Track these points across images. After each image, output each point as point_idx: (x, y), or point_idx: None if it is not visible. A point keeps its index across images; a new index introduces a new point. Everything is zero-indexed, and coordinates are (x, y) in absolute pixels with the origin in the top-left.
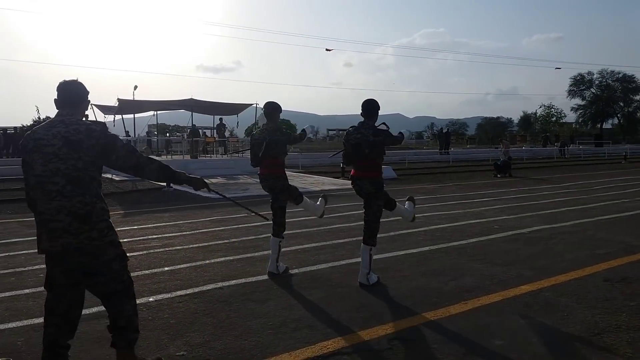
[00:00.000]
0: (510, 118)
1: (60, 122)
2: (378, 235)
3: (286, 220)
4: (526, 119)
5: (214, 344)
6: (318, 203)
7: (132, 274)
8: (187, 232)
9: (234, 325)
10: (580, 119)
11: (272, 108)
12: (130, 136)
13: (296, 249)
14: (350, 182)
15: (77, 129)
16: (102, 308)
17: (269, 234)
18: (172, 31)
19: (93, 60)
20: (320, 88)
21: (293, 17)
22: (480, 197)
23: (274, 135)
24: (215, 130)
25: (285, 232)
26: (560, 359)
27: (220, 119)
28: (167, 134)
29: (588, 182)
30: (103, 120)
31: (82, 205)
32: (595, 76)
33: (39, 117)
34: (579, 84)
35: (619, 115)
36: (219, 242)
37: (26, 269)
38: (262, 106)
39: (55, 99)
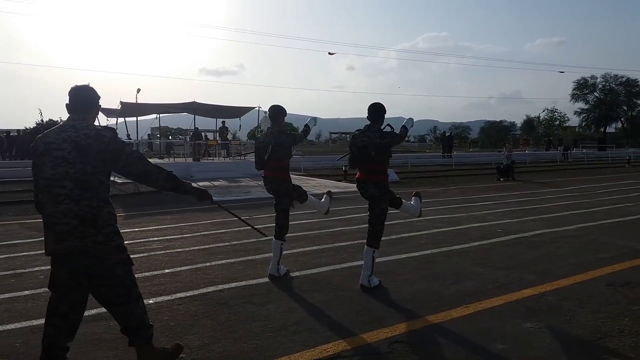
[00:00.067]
0: (513, 122)
1: (71, 126)
2: None
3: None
4: (529, 123)
5: (213, 347)
6: (323, 200)
7: None
8: (188, 235)
9: (234, 328)
10: (584, 123)
11: (277, 111)
12: (131, 139)
13: (297, 251)
14: (355, 185)
15: (87, 133)
16: (102, 310)
17: (270, 237)
18: (175, 35)
19: (96, 63)
20: (322, 91)
21: (296, 20)
22: (482, 200)
23: (279, 138)
24: (217, 133)
25: (287, 235)
26: None
27: (223, 122)
28: (170, 137)
29: (591, 186)
30: (105, 123)
31: (89, 209)
32: (598, 80)
33: (42, 120)
34: (582, 87)
35: (622, 119)
36: (220, 244)
37: (26, 270)
38: (264, 109)
39: (66, 104)
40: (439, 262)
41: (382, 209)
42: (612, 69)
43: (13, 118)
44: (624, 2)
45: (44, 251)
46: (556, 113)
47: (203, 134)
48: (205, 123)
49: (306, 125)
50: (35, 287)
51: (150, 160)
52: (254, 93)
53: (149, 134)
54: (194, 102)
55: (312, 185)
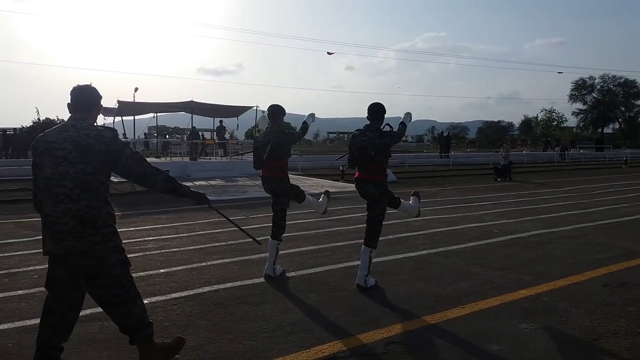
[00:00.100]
0: (511, 122)
1: (72, 126)
2: None
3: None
4: (527, 123)
5: (207, 348)
6: (320, 200)
7: None
8: (184, 234)
9: (229, 328)
10: (581, 124)
11: (276, 111)
12: (127, 138)
13: (293, 251)
14: (354, 184)
15: (88, 134)
16: (95, 310)
17: (267, 237)
18: (174, 34)
19: (94, 62)
20: (321, 91)
21: (295, 20)
22: (480, 201)
23: (278, 138)
24: (215, 133)
25: (283, 235)
26: None
27: (221, 122)
28: (167, 136)
29: (588, 187)
30: (102, 122)
31: (89, 210)
32: (596, 81)
33: (38, 119)
34: (581, 88)
35: (620, 120)
36: (216, 244)
37: (20, 270)
38: (262, 109)
39: (68, 103)
40: (436, 262)
41: (381, 209)
42: (611, 70)
43: (10, 117)
44: (623, 3)
45: (38, 250)
46: (554, 114)
47: (200, 133)
48: (203, 122)
49: (304, 122)
50: (29, 287)
51: (147, 159)
52: (253, 92)
53: (145, 133)
54: (192, 101)
55: (310, 184)
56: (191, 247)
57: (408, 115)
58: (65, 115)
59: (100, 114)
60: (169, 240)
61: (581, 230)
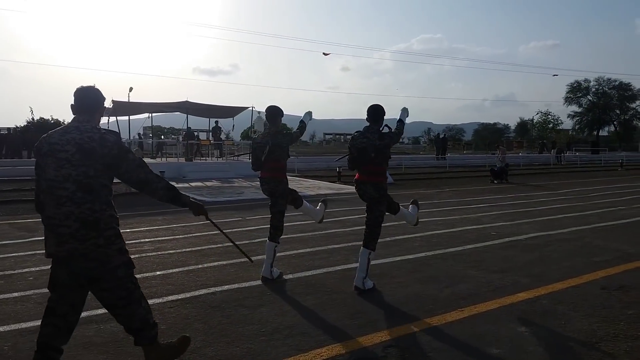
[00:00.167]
0: (507, 124)
1: (76, 128)
2: None
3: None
4: (523, 126)
5: (204, 351)
6: (318, 208)
7: None
8: (180, 236)
9: (226, 331)
10: (577, 126)
11: (274, 112)
12: (121, 138)
13: (290, 254)
14: (351, 186)
15: (91, 136)
16: (92, 313)
17: (263, 239)
18: (169, 33)
19: (88, 61)
20: (316, 92)
21: (290, 20)
22: (476, 203)
23: (276, 139)
24: (210, 133)
25: (280, 237)
26: None
27: (216, 122)
28: (162, 137)
29: (584, 189)
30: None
31: (91, 213)
32: (591, 83)
33: (32, 118)
34: (576, 91)
35: (615, 122)
36: (213, 246)
37: (15, 272)
38: (258, 109)
39: (71, 105)
40: (433, 264)
41: (380, 211)
42: (606, 73)
43: (4, 116)
44: (618, 6)
45: (33, 252)
46: (550, 116)
47: (196, 133)
48: (198, 123)
49: (301, 122)
50: (25, 289)
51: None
52: (248, 93)
53: (139, 133)
54: (187, 102)
55: (306, 186)
56: (187, 249)
57: (405, 110)
58: (59, 114)
59: None
60: (165, 242)
61: (578, 232)
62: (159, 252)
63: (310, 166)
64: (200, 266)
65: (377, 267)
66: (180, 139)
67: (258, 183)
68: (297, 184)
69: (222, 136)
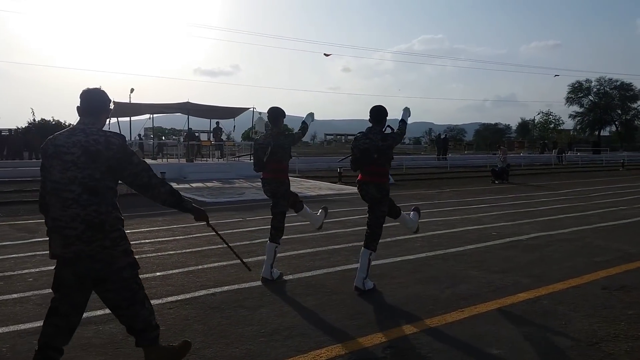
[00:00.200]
0: (508, 124)
1: (81, 130)
2: None
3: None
4: (524, 126)
5: (204, 352)
6: (318, 214)
7: None
8: (181, 237)
9: (225, 332)
10: (578, 126)
11: (276, 113)
12: (126, 141)
13: (291, 254)
14: (351, 186)
15: (97, 139)
16: (91, 314)
17: (263, 239)
18: (170, 34)
19: (89, 62)
20: (317, 92)
21: (292, 21)
22: (477, 203)
23: (278, 140)
24: (211, 134)
25: (281, 238)
26: None
27: (217, 123)
28: (163, 137)
29: (586, 189)
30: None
31: (97, 215)
32: (593, 84)
33: (33, 120)
34: (577, 91)
35: (616, 122)
36: (213, 247)
37: (15, 273)
38: (259, 110)
39: (77, 107)
40: (434, 265)
41: (382, 212)
42: (607, 73)
43: (5, 117)
44: (619, 6)
45: (33, 253)
46: (551, 116)
47: (197, 134)
48: (199, 123)
49: (303, 122)
50: (24, 290)
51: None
52: (249, 94)
53: (139, 134)
54: (188, 103)
55: (307, 187)
56: (187, 250)
57: (407, 110)
58: (60, 115)
59: None
60: (165, 243)
61: (579, 233)
62: (159, 253)
63: (311, 167)
64: (200, 267)
65: (378, 267)
66: (181, 140)
67: (259, 184)
68: (298, 184)
69: (223, 137)
